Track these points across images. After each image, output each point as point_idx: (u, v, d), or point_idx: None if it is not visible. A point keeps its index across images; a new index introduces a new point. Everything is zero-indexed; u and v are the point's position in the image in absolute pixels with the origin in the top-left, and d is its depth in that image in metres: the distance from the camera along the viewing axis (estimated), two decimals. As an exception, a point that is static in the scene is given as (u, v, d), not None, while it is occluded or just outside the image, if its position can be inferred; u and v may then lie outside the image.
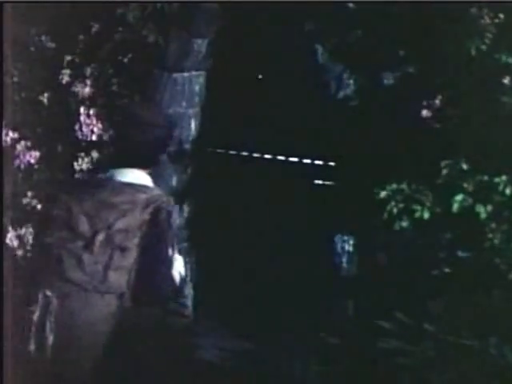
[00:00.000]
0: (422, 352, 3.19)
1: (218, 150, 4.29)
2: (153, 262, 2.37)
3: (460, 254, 3.24)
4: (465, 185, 2.87)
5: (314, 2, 3.30)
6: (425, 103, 2.99)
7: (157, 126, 2.44)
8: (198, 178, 4.27)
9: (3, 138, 3.54)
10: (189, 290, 4.44)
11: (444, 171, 2.85)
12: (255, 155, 3.99)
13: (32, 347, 2.34)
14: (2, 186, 3.30)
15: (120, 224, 2.34)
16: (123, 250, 2.35)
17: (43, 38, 4.04)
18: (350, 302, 3.46)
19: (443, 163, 2.86)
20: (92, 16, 3.80)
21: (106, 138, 3.83)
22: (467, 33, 2.80)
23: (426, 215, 2.99)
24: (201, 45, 3.92)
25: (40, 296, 2.35)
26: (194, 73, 4.09)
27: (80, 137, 3.67)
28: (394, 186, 3.06)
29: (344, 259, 3.53)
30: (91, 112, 3.63)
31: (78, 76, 3.87)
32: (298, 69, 3.43)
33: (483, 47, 2.75)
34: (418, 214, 2.96)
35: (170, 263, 2.37)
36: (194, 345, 3.71)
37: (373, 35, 3.26)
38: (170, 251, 2.37)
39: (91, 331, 2.34)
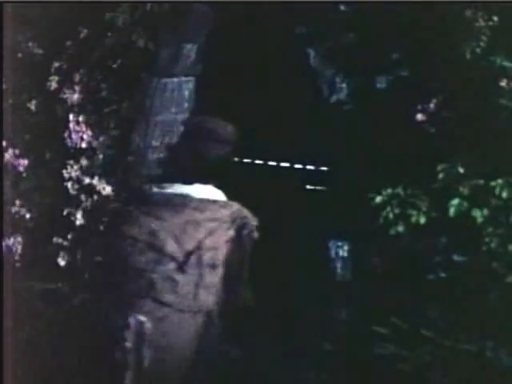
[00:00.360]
0: (420, 357, 3.17)
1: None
2: (238, 277, 2.37)
3: (456, 258, 3.22)
4: (461, 189, 2.85)
5: (304, 4, 3.28)
6: (419, 107, 2.97)
7: (228, 142, 2.44)
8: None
9: None
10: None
11: (440, 175, 2.82)
12: (246, 161, 3.95)
13: (129, 374, 2.27)
14: (2, 189, 3.30)
15: (209, 242, 2.31)
16: (212, 267, 2.32)
17: (30, 43, 3.99)
18: (345, 308, 3.43)
19: (439, 167, 2.83)
20: (80, 21, 3.76)
21: (95, 144, 3.79)
22: (462, 35, 2.78)
23: (422, 220, 2.97)
24: (190, 49, 3.88)
25: (132, 321, 2.28)
26: (183, 78, 4.05)
27: (69, 144, 3.62)
28: (390, 190, 3.04)
29: (339, 265, 3.50)
30: (80, 119, 3.59)
31: (66, 82, 3.83)
32: (290, 73, 3.40)
33: (478, 50, 2.74)
34: (414, 219, 2.94)
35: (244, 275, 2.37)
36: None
37: (365, 38, 3.24)
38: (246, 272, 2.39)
39: (184, 351, 2.30)
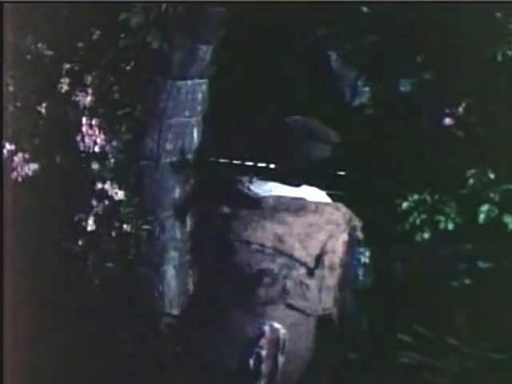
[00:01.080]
0: (447, 367, 3.11)
1: (222, 160, 4.19)
2: (350, 279, 2.46)
3: (482, 264, 3.16)
4: (491, 195, 2.79)
5: (325, 4, 3.21)
6: (447, 111, 2.91)
7: (331, 143, 2.45)
8: (201, 189, 4.15)
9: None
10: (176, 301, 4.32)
11: (470, 181, 2.76)
12: (261, 165, 3.87)
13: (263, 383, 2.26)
14: (2, 194, 3.23)
15: (330, 245, 2.36)
16: (332, 269, 2.37)
17: (40, 45, 3.90)
18: (366, 316, 3.36)
19: (469, 173, 2.77)
20: (92, 22, 3.67)
21: (107, 148, 3.70)
22: (493, 38, 2.72)
23: (451, 226, 2.90)
24: (206, 51, 3.81)
25: (267, 329, 2.27)
26: (197, 81, 3.97)
27: (82, 148, 3.53)
28: (416, 196, 2.98)
29: (360, 272, 3.42)
30: (93, 122, 3.50)
31: (77, 85, 3.74)
32: (310, 76, 3.32)
33: (510, 53, 2.68)
34: (442, 225, 2.88)
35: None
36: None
37: (388, 40, 3.18)
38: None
39: (310, 357, 2.33)
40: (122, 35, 3.63)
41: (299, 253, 2.31)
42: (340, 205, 2.44)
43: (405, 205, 3.00)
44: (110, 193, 3.78)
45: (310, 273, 2.31)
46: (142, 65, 3.64)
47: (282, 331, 2.27)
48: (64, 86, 3.74)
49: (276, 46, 3.51)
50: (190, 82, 3.90)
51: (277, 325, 2.27)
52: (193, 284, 3.86)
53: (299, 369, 2.31)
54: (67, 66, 3.79)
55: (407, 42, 3.23)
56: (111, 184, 3.78)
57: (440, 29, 3.11)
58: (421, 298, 3.23)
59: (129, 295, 3.77)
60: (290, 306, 2.30)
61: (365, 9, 3.33)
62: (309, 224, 2.34)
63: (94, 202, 3.86)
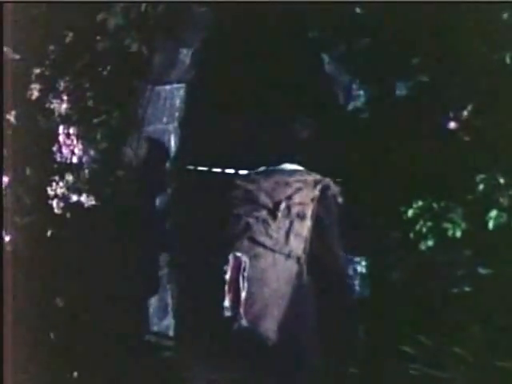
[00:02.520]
0: (454, 378, 3.03)
1: (200, 168, 4.01)
2: (324, 232, 2.70)
3: (482, 270, 3.10)
4: (501, 200, 2.72)
5: (316, 5, 3.08)
6: (451, 114, 2.83)
7: (310, 125, 2.87)
8: (178, 198, 3.96)
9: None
10: (170, 320, 4.12)
11: (480, 186, 2.69)
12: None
13: (227, 303, 2.62)
14: (1, 188, 3.03)
15: (297, 197, 2.69)
16: (301, 217, 2.68)
17: (5, 48, 3.63)
18: (365, 327, 3.25)
19: (478, 178, 2.70)
20: (65, 23, 3.44)
21: (84, 159, 3.47)
22: (500, 39, 2.65)
23: (458, 233, 2.82)
24: (186, 55, 3.63)
25: (231, 258, 2.65)
26: (175, 85, 3.78)
27: (59, 159, 3.29)
28: (420, 203, 2.88)
29: (356, 281, 3.31)
30: (71, 131, 3.26)
31: (49, 91, 3.50)
32: (302, 80, 3.19)
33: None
34: (450, 233, 2.79)
35: (337, 238, 2.73)
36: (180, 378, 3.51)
37: (383, 42, 3.08)
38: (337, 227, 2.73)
39: (278, 289, 2.63)
40: (98, 37, 3.44)
41: (264, 200, 2.71)
42: (313, 173, 2.80)
43: (410, 212, 2.93)
44: (86, 205, 3.58)
45: (272, 214, 2.67)
46: (119, 69, 3.45)
47: (244, 259, 2.64)
48: (35, 92, 3.51)
49: (264, 48, 3.36)
50: (168, 87, 3.72)
51: (239, 254, 2.66)
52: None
53: (264, 295, 2.63)
54: (37, 70, 3.57)
55: (403, 44, 3.15)
56: (87, 196, 3.58)
57: (438, 29, 3.03)
58: (422, 308, 3.15)
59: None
60: (252, 240, 2.67)
61: (358, 10, 3.24)
62: (276, 182, 2.75)
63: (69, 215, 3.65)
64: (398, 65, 3.11)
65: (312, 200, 2.71)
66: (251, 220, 2.68)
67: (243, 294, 2.61)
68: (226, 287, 2.63)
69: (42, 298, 3.41)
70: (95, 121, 3.44)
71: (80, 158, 3.29)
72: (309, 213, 2.69)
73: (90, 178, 3.53)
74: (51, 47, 3.46)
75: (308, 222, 2.69)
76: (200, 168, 4.08)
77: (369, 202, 3.04)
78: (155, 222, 3.77)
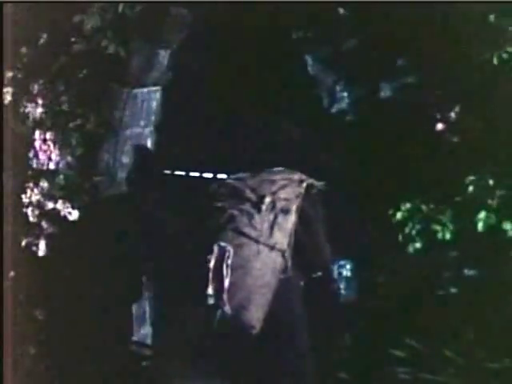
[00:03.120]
0: (446, 380, 3.02)
1: (177, 173, 3.93)
2: (309, 226, 2.76)
3: (468, 272, 3.10)
4: (489, 201, 2.72)
5: (301, 5, 3.04)
6: (438, 116, 2.82)
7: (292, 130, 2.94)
8: (156, 204, 3.88)
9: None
10: (147, 329, 4.04)
11: (470, 188, 2.69)
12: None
13: (210, 291, 2.66)
14: (2, 187, 3.07)
15: (282, 193, 2.76)
16: (285, 212, 2.73)
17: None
18: (353, 331, 3.22)
19: (467, 179, 2.70)
20: (39, 24, 3.33)
21: (62, 165, 3.36)
22: (487, 40, 2.66)
23: (448, 236, 2.82)
24: (164, 56, 3.55)
25: (215, 247, 2.69)
26: (152, 88, 3.70)
27: (35, 165, 3.17)
28: (408, 205, 2.87)
29: (342, 285, 3.29)
30: (48, 136, 3.15)
31: (23, 95, 3.38)
32: (285, 81, 3.15)
33: (505, 56, 2.63)
34: (439, 235, 2.79)
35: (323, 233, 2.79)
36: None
37: (367, 43, 3.06)
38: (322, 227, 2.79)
39: (261, 279, 2.68)
40: (73, 39, 3.34)
41: (248, 194, 2.77)
42: (298, 172, 2.85)
43: (399, 215, 2.91)
44: (62, 213, 3.47)
45: (255, 206, 2.72)
46: (96, 72, 3.36)
47: (228, 248, 2.69)
48: (7, 96, 3.39)
49: (246, 49, 3.31)
50: (145, 90, 3.64)
51: (223, 244, 2.71)
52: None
53: (247, 284, 2.67)
54: (9, 73, 3.45)
55: (388, 45, 3.14)
56: (63, 203, 3.47)
57: (424, 30, 3.02)
58: (410, 311, 3.14)
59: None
60: (236, 230, 2.73)
61: (341, 10, 3.21)
62: (262, 179, 2.81)
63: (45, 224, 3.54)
64: (382, 66, 3.14)
65: (297, 196, 2.76)
66: (235, 212, 2.73)
67: (226, 282, 2.64)
68: (210, 275, 2.66)
69: (21, 310, 3.30)
70: (71, 125, 3.35)
71: (57, 164, 3.20)
72: (293, 208, 2.74)
73: (65, 185, 3.46)
74: (23, 49, 3.36)
75: (292, 217, 2.73)
76: (177, 173, 4.03)
77: (356, 204, 3.03)
78: (136, 227, 3.70)
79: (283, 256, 2.73)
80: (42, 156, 3.16)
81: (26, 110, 3.21)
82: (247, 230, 2.72)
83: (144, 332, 4.01)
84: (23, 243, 3.47)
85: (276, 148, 2.95)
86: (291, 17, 3.18)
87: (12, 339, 3.06)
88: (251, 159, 3.03)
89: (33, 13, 3.27)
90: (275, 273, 2.70)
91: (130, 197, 3.62)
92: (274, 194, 2.74)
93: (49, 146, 3.17)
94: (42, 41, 3.29)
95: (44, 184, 3.41)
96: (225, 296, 2.65)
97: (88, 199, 3.49)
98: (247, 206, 2.73)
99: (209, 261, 2.68)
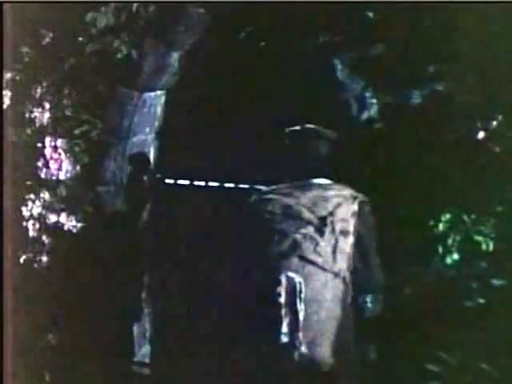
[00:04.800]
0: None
1: (181, 182, 3.76)
2: (364, 248, 2.61)
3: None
4: (533, 211, 2.71)
5: (327, 6, 2.94)
6: (479, 124, 2.78)
7: (332, 140, 2.75)
8: (157, 214, 3.69)
9: None
10: (146, 347, 3.85)
11: (515, 198, 2.66)
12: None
13: (285, 329, 2.45)
14: (2, 187, 2.87)
15: (339, 213, 2.60)
16: (345, 234, 2.58)
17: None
18: (378, 346, 3.14)
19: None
20: (43, 24, 3.09)
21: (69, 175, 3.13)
22: None
23: (491, 247, 2.78)
24: (176, 59, 3.38)
25: (283, 278, 2.50)
26: (158, 92, 3.52)
27: (44, 175, 2.93)
28: (448, 216, 2.82)
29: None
30: (58, 144, 2.93)
31: (24, 99, 3.13)
32: (313, 87, 3.04)
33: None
34: (484, 246, 2.75)
35: (375, 256, 2.65)
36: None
37: (397, 48, 3.00)
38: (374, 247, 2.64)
39: (332, 311, 2.51)
40: (81, 39, 3.13)
41: (307, 215, 2.60)
42: (346, 186, 2.73)
43: (441, 226, 2.86)
44: (66, 226, 3.25)
45: (319, 230, 2.57)
46: (106, 74, 3.16)
47: (298, 279, 2.50)
48: (6, 100, 3.14)
49: (269, 52, 3.19)
50: (153, 94, 3.46)
51: (292, 274, 2.51)
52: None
53: (321, 317, 2.52)
54: (8, 75, 3.20)
55: (418, 51, 3.09)
56: (67, 216, 3.24)
57: (457, 35, 2.99)
58: (440, 323, 3.09)
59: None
60: (303, 258, 2.55)
61: (371, 14, 3.14)
62: (315, 196, 2.65)
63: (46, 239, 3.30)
64: (413, 73, 3.08)
65: (352, 215, 2.62)
66: (299, 237, 2.54)
67: (301, 318, 2.44)
68: (283, 311, 2.44)
69: (19, 328, 3.06)
70: (76, 132, 3.14)
71: (67, 174, 2.97)
72: (351, 229, 2.59)
73: (67, 196, 3.24)
74: (24, 49, 3.13)
75: (350, 239, 2.59)
76: (181, 182, 3.87)
77: (392, 216, 2.95)
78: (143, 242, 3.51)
79: (345, 282, 2.59)
80: (52, 165, 2.94)
81: (32, 116, 3.01)
82: (313, 257, 2.54)
83: (144, 351, 3.84)
84: (22, 260, 3.25)
85: (305, 157, 2.80)
86: (318, 19, 3.10)
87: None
88: (278, 169, 2.91)
89: (36, 11, 3.06)
90: (340, 302, 2.57)
91: (136, 209, 3.46)
92: (332, 214, 2.59)
93: (60, 154, 2.97)
94: (47, 40, 3.08)
95: (46, 195, 3.19)
96: (300, 334, 2.46)
97: (92, 212, 3.31)
98: (310, 230, 2.55)
99: (278, 294, 2.47)
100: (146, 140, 3.64)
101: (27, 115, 3.08)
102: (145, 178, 3.68)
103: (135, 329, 3.71)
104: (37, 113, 3.05)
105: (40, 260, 3.20)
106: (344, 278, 2.58)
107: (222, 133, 3.56)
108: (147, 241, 3.68)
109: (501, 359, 3.07)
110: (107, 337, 3.45)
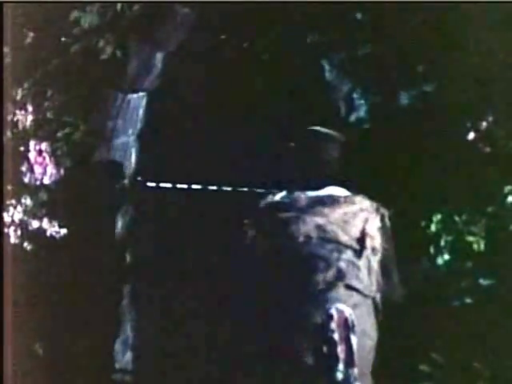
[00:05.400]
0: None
1: (163, 185, 3.70)
2: (388, 264, 2.50)
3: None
4: (524, 211, 2.75)
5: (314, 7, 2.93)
6: (469, 124, 2.81)
7: (341, 143, 2.63)
8: (140, 220, 3.63)
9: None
10: (128, 356, 3.79)
11: (510, 198, 2.69)
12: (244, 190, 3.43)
13: (341, 367, 2.26)
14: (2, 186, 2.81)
15: (368, 229, 2.47)
16: (374, 252, 2.46)
17: None
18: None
19: (506, 189, 2.71)
20: (26, 22, 3.02)
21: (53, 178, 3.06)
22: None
23: (482, 247, 2.81)
24: (159, 60, 3.34)
25: (334, 311, 2.33)
26: (140, 94, 3.47)
27: (27, 180, 2.85)
28: (439, 216, 2.84)
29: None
30: (43, 147, 2.85)
31: (5, 101, 3.05)
32: (301, 87, 3.03)
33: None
34: (475, 247, 2.77)
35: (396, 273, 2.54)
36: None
37: (386, 49, 3.01)
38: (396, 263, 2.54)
39: (374, 339, 2.40)
40: (64, 38, 3.06)
41: (343, 237, 2.46)
42: (364, 196, 2.61)
43: (433, 227, 2.88)
44: (49, 232, 3.17)
45: (356, 253, 2.45)
46: (89, 75, 3.10)
47: (349, 311, 2.36)
48: (-16, 102, 3.06)
49: (256, 53, 3.16)
50: (135, 96, 3.40)
51: (342, 306, 2.36)
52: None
53: (366, 348, 2.41)
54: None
55: (408, 51, 3.11)
56: (49, 221, 3.17)
57: (446, 35, 3.01)
58: (434, 323, 3.11)
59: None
60: (349, 287, 2.41)
61: (359, 15, 3.14)
62: (344, 213, 2.51)
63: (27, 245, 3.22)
64: (401, 73, 3.10)
65: (378, 230, 2.50)
66: (342, 264, 2.38)
67: (355, 353, 2.30)
68: (339, 348, 2.28)
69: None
70: (58, 135, 3.07)
71: (51, 178, 2.90)
72: (378, 245, 2.47)
73: (48, 201, 3.16)
74: (5, 49, 3.04)
75: (378, 256, 2.47)
76: (163, 185, 3.81)
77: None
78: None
79: (375, 303, 2.46)
80: (37, 169, 2.86)
81: (15, 118, 2.92)
82: (356, 283, 2.39)
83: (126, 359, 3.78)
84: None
85: (317, 163, 2.67)
86: (306, 19, 3.09)
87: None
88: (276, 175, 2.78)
89: (19, 10, 2.98)
90: (376, 326, 2.45)
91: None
92: (364, 232, 2.44)
93: (44, 158, 2.89)
94: (28, 40, 3.01)
95: (27, 201, 3.11)
96: (355, 370, 2.32)
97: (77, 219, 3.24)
98: (350, 255, 2.40)
99: (332, 330, 2.31)
100: (128, 142, 3.60)
101: (10, 117, 3.03)
102: (125, 181, 3.67)
103: (117, 335, 3.68)
104: (20, 115, 2.99)
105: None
106: (374, 299, 2.47)
107: (208, 134, 3.54)
108: (130, 245, 3.65)
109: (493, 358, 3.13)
110: (89, 344, 3.40)
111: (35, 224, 3.15)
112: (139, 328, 3.89)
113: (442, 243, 2.91)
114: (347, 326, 2.31)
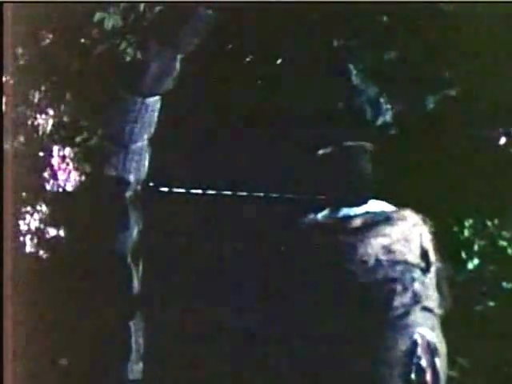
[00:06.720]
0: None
1: (177, 190, 3.62)
2: (441, 277, 2.45)
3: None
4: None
5: (340, 9, 2.90)
6: (501, 130, 2.82)
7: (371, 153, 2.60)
8: (154, 227, 3.55)
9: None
10: (138, 366, 3.71)
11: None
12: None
13: None
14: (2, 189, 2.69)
15: (426, 244, 2.44)
16: (433, 265, 2.43)
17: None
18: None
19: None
20: (43, 24, 2.92)
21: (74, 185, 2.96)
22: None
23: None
24: (179, 62, 3.26)
25: (419, 337, 2.27)
26: (156, 97, 3.39)
27: (49, 187, 2.75)
28: (471, 221, 2.85)
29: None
30: (66, 153, 2.76)
31: (21, 104, 2.95)
32: (327, 91, 3.00)
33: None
34: (510, 251, 2.78)
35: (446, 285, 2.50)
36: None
37: (412, 53, 3.00)
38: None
39: (443, 355, 2.33)
40: (83, 40, 2.97)
41: (409, 256, 2.43)
42: (411, 209, 2.59)
43: (466, 232, 2.88)
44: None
45: (423, 271, 2.43)
46: (109, 78, 3.01)
47: (430, 335, 2.33)
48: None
49: (280, 55, 3.12)
50: (152, 99, 3.32)
51: (423, 330, 2.33)
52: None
53: (443, 368, 2.37)
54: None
55: (434, 56, 3.10)
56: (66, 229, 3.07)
57: (473, 41, 3.02)
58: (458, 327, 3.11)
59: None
60: (425, 309, 2.38)
61: (385, 18, 3.12)
62: (402, 230, 2.47)
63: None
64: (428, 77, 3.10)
65: (431, 242, 2.49)
66: (417, 286, 2.35)
67: (442, 377, 2.30)
68: (427, 375, 2.25)
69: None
70: (77, 139, 2.98)
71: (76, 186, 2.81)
72: (433, 259, 2.46)
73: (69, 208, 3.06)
74: (19, 50, 2.94)
75: (433, 269, 2.45)
76: (176, 190, 3.74)
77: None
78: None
79: (436, 318, 2.44)
80: (61, 176, 2.77)
81: (36, 123, 2.82)
82: (430, 303, 2.37)
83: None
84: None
85: (355, 177, 2.63)
86: (331, 22, 3.07)
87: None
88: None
89: (36, 10, 2.88)
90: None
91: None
92: (425, 249, 2.42)
93: (68, 164, 2.80)
94: (47, 41, 2.91)
95: (43, 208, 3.01)
96: None
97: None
98: (419, 275, 2.37)
99: (418, 356, 2.27)
100: (143, 146, 3.53)
101: (30, 122, 2.93)
102: (138, 187, 3.59)
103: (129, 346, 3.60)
104: (41, 120, 2.90)
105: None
106: (435, 313, 2.45)
107: (223, 140, 3.49)
108: (142, 251, 3.57)
109: None
110: (101, 353, 3.32)
111: (52, 232, 3.09)
112: (150, 338, 3.84)
113: (476, 248, 2.96)
114: (431, 351, 2.29)
